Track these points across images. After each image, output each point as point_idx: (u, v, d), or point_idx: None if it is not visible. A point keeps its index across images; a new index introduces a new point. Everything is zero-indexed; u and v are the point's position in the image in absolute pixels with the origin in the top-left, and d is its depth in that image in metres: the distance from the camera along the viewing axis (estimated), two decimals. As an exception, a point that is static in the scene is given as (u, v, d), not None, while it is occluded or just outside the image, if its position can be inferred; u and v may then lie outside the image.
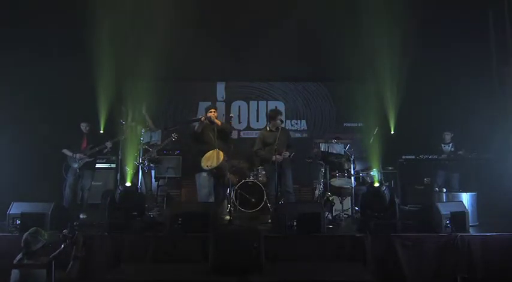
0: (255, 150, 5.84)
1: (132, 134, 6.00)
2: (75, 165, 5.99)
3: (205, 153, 5.53)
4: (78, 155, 6.01)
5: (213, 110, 5.72)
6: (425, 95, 7.18)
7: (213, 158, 5.38)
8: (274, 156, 5.49)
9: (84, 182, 6.12)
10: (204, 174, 5.58)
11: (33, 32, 6.31)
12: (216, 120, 5.62)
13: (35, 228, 3.42)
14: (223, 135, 5.69)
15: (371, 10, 6.44)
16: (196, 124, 5.77)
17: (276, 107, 8.30)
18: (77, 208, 5.94)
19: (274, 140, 5.57)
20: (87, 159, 6.12)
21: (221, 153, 5.42)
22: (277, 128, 5.65)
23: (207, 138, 5.63)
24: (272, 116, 5.78)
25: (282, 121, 5.83)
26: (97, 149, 6.14)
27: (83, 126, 6.28)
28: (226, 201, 5.81)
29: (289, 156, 5.66)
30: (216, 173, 5.49)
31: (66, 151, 6.09)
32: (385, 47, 6.73)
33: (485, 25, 6.54)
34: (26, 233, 3.37)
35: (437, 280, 4.23)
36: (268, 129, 5.84)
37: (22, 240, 3.34)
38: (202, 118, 5.68)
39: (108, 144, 6.12)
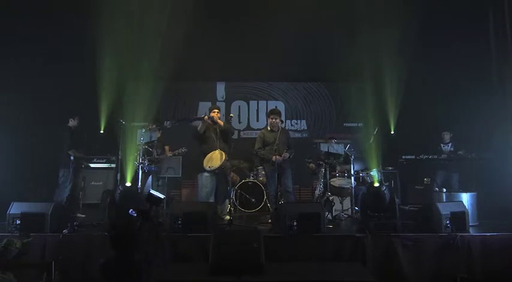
0: (255, 150, 5.84)
1: (131, 134, 6.00)
2: (81, 166, 6.03)
3: (207, 154, 5.53)
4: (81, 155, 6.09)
5: (216, 110, 5.71)
6: (425, 95, 7.18)
7: (215, 159, 5.37)
8: (274, 157, 5.50)
9: (81, 181, 6.17)
10: (206, 174, 5.57)
11: (32, 32, 6.30)
12: (219, 121, 5.61)
13: (6, 239, 3.37)
14: (225, 136, 5.68)
15: (371, 10, 6.44)
16: (199, 123, 5.75)
17: (276, 106, 8.34)
18: (77, 208, 5.92)
19: (275, 140, 5.58)
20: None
21: (223, 153, 5.41)
22: (277, 128, 5.67)
23: (209, 138, 5.62)
24: (268, 114, 5.82)
25: (282, 121, 5.83)
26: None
27: (72, 121, 6.18)
28: (227, 201, 5.80)
29: (289, 157, 5.67)
30: (218, 173, 5.48)
31: (73, 152, 6.00)
32: (385, 47, 6.74)
33: (485, 25, 6.54)
34: None
35: (437, 280, 4.23)
36: (268, 129, 5.85)
37: None
38: (205, 117, 5.66)
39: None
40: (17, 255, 3.28)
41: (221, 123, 5.62)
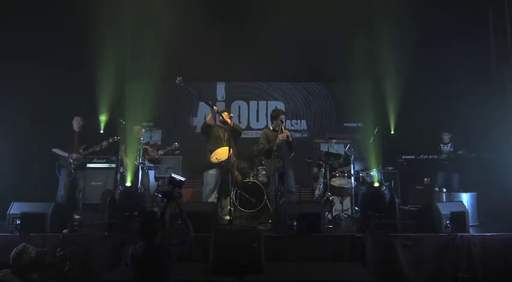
0: (260, 145, 5.81)
1: (131, 135, 5.98)
2: (72, 166, 5.79)
3: (213, 152, 5.54)
4: (74, 155, 5.80)
5: (226, 112, 5.74)
6: (425, 95, 7.18)
7: (222, 153, 5.38)
8: (280, 135, 5.42)
9: (77, 182, 5.92)
10: (212, 171, 5.57)
11: (31, 31, 6.29)
12: (229, 120, 5.60)
13: (23, 244, 3.40)
14: (235, 135, 5.69)
15: (371, 10, 6.45)
16: (208, 113, 5.80)
17: (275, 107, 8.35)
18: (74, 209, 5.86)
19: (275, 140, 5.57)
20: (82, 160, 5.94)
21: (231, 149, 5.42)
22: (280, 128, 5.67)
23: (218, 137, 5.61)
24: (274, 115, 5.79)
25: (282, 121, 5.82)
26: (91, 149, 5.94)
27: (77, 121, 5.98)
28: (228, 200, 5.80)
29: (291, 142, 5.62)
30: (224, 167, 5.46)
31: (58, 151, 5.82)
32: (385, 47, 6.74)
33: (485, 25, 6.54)
34: (14, 250, 3.34)
35: (437, 280, 4.23)
36: (271, 128, 5.85)
37: (10, 258, 3.29)
38: (215, 108, 5.69)
39: (104, 143, 5.93)
40: (30, 263, 3.31)
41: (231, 123, 5.62)
